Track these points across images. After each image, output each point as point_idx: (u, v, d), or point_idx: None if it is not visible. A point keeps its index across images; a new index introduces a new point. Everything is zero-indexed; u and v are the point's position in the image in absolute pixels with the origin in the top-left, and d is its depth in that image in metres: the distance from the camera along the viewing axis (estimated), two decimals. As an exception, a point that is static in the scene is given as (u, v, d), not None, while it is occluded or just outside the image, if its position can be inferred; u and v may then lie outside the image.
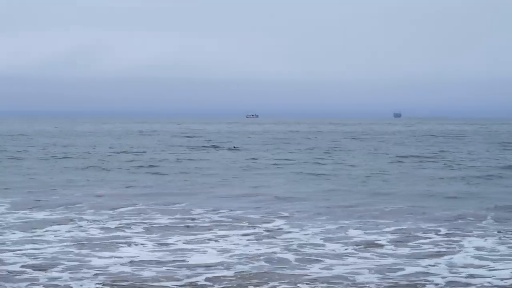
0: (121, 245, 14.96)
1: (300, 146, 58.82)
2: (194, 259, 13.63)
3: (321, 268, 12.94)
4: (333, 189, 25.69)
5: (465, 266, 13.15)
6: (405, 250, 14.51)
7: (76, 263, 13.21)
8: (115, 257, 13.81)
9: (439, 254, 14.13)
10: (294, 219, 18.54)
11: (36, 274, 12.44)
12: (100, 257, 13.73)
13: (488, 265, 13.14)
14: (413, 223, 17.85)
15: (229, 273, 12.51)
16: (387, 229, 16.94)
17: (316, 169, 34.15)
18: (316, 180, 29.18)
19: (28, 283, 11.86)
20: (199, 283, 11.90)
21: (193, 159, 42.13)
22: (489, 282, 11.97)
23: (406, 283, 11.95)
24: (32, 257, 13.69)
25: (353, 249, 14.64)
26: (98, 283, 11.83)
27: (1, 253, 14.03)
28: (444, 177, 30.44)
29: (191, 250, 14.46)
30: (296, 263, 13.41)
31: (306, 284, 11.84)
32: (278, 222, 17.96)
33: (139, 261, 13.46)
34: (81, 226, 17.20)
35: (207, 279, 12.10)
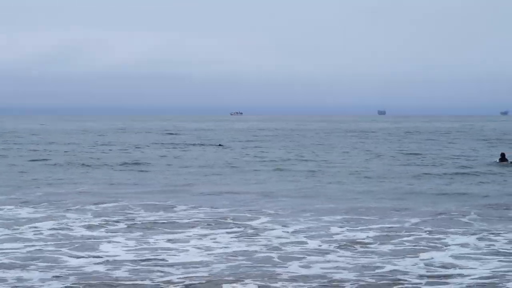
0: (101, 243, 14.81)
1: (285, 143, 58.81)
2: (173, 258, 13.47)
3: (300, 266, 12.86)
4: (317, 186, 25.67)
5: (445, 264, 13.06)
6: (387, 248, 14.46)
7: (50, 263, 12.92)
8: (93, 256, 13.58)
9: (421, 251, 14.09)
10: (278, 216, 18.47)
11: (5, 274, 12.09)
12: (77, 257, 13.48)
13: (467, 265, 13.00)
14: (396, 221, 17.82)
15: (204, 272, 12.27)
16: (370, 226, 16.90)
17: (301, 166, 34.13)
18: (300, 177, 29.14)
19: (-6, 283, 11.57)
20: (171, 282, 11.67)
21: (178, 156, 42.03)
22: (470, 280, 11.92)
23: (384, 282, 11.79)
24: (6, 256, 13.42)
25: (335, 246, 14.59)
26: (66, 284, 11.48)
27: (-22, 251, 13.78)
28: (428, 173, 30.51)
29: (172, 249, 14.30)
30: (277, 260, 13.32)
31: (281, 282, 11.70)
32: (262, 220, 17.88)
33: (115, 260, 13.23)
34: (63, 224, 17.05)
35: (179, 279, 11.86)
